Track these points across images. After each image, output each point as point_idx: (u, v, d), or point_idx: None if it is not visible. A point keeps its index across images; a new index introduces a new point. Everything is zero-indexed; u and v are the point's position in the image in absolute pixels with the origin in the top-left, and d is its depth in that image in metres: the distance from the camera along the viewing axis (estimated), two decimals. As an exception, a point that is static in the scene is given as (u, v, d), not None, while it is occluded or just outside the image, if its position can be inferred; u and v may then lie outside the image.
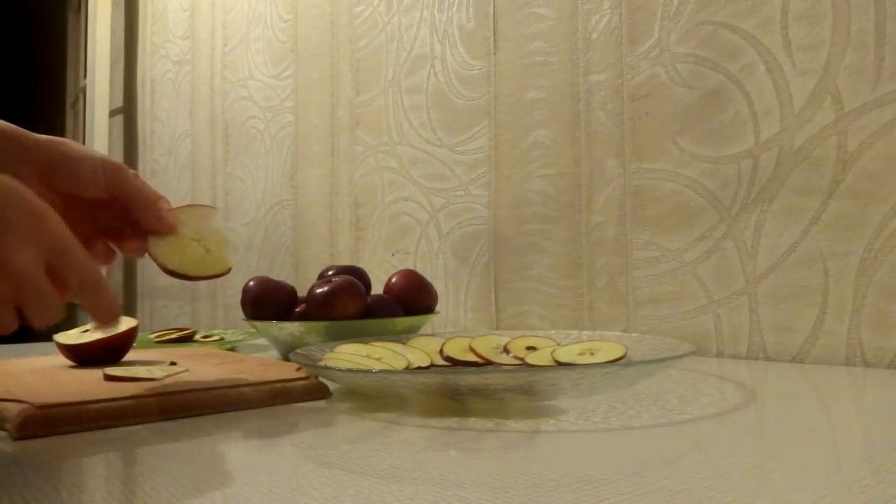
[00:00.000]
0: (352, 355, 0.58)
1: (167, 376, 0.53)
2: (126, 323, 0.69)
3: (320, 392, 0.53)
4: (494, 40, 1.01)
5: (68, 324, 0.75)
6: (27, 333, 0.72)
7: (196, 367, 0.60)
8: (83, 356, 0.66)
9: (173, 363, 0.62)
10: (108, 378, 0.53)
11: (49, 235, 0.41)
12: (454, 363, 0.59)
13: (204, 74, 1.73)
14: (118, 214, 0.54)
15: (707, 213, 0.78)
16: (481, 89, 1.03)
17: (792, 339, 0.71)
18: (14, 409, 0.43)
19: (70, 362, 0.67)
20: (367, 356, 0.58)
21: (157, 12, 1.98)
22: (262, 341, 1.05)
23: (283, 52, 1.45)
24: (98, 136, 2.10)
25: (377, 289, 0.87)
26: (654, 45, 0.83)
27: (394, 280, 0.84)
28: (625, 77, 0.86)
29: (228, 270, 0.56)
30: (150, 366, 0.60)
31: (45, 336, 0.67)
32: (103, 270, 0.52)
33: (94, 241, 0.54)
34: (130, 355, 0.74)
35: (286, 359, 0.76)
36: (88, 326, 0.68)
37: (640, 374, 0.49)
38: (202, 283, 1.71)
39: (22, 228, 0.39)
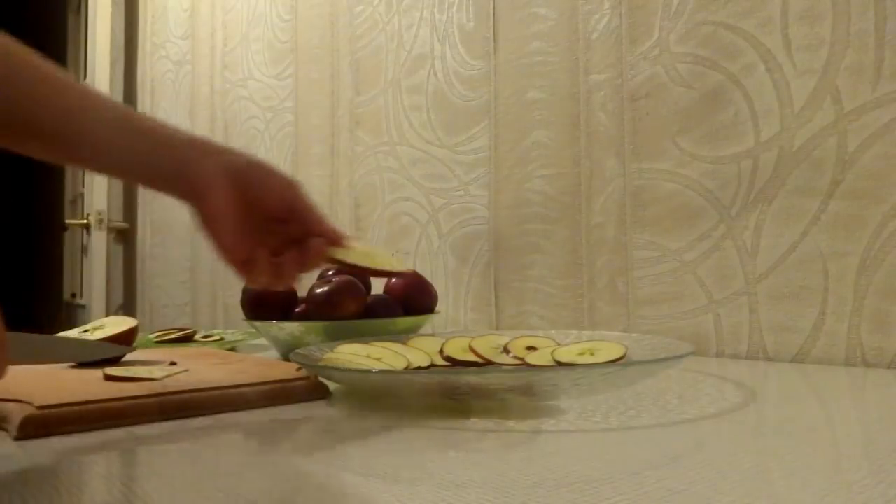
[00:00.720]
0: (352, 355, 0.58)
1: (167, 376, 0.53)
2: (126, 323, 0.69)
3: (320, 392, 0.53)
4: (494, 40, 1.01)
5: (67, 324, 0.75)
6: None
7: (196, 367, 0.60)
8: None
9: (173, 363, 0.62)
10: (108, 378, 0.53)
11: None
12: (454, 363, 0.59)
13: (204, 74, 1.73)
14: (293, 232, 0.55)
15: (707, 213, 0.78)
16: (481, 89, 1.03)
17: (792, 339, 0.71)
18: (14, 409, 0.43)
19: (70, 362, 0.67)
20: (367, 356, 0.58)
21: (157, 12, 1.98)
22: (262, 341, 1.05)
23: (283, 52, 1.45)
24: (98, 136, 2.09)
25: (377, 289, 0.86)
26: (654, 45, 0.83)
27: (394, 280, 0.84)
28: (625, 77, 0.86)
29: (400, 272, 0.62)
30: (150, 366, 0.60)
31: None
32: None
33: (282, 251, 0.55)
34: (130, 355, 0.74)
35: (286, 359, 0.76)
36: (88, 326, 0.69)
37: (640, 374, 0.49)
38: (205, 284, 1.72)
39: None
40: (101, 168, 0.54)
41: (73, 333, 0.68)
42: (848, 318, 0.68)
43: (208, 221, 0.52)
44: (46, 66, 0.49)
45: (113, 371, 0.55)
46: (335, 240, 0.55)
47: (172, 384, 0.50)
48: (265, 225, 0.54)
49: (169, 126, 0.54)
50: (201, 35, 1.75)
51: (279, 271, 0.53)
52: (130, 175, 0.54)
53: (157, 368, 0.57)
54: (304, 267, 0.54)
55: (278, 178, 0.54)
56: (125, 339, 0.68)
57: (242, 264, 0.53)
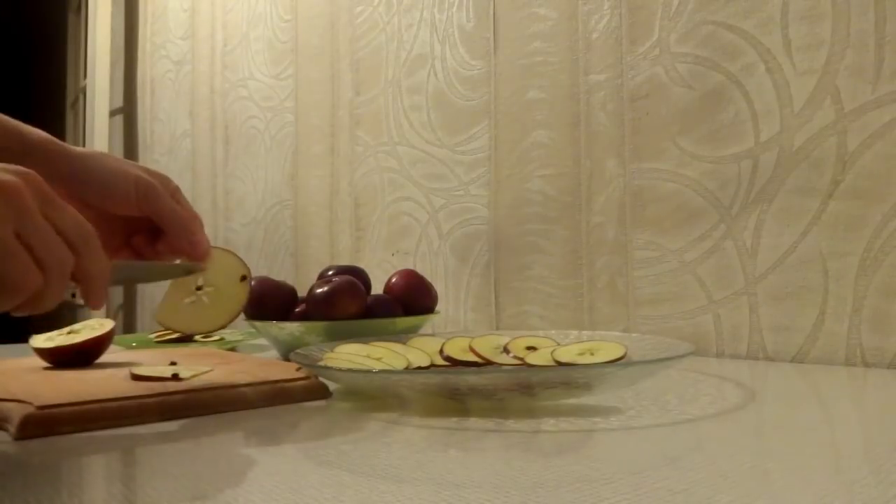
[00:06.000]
0: (352, 355, 0.58)
1: (193, 376, 0.53)
2: (103, 326, 0.69)
3: (320, 392, 0.53)
4: (494, 40, 1.01)
5: (68, 323, 0.75)
6: (26, 333, 0.72)
7: (196, 367, 0.60)
8: (59, 359, 0.66)
9: (173, 363, 0.62)
10: (136, 378, 0.53)
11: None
12: (454, 363, 0.59)
13: (204, 74, 1.73)
14: (156, 236, 0.53)
15: (707, 213, 0.78)
16: (481, 89, 1.03)
17: (792, 339, 0.71)
18: (14, 409, 0.43)
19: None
20: (367, 356, 0.58)
21: (157, 12, 1.98)
22: (262, 341, 1.05)
23: (283, 52, 1.45)
24: (98, 136, 2.10)
25: (377, 289, 0.86)
26: (654, 45, 0.83)
27: (394, 280, 0.84)
28: (625, 77, 0.86)
29: (217, 328, 0.54)
30: (176, 366, 0.60)
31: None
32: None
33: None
34: (129, 355, 0.74)
35: (286, 359, 0.76)
36: (63, 331, 0.69)
37: (640, 374, 0.49)
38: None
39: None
40: None
41: (43, 337, 0.68)
42: (848, 318, 0.68)
43: None
44: None
45: (140, 371, 0.55)
46: (191, 252, 0.52)
47: (173, 384, 0.50)
48: (122, 226, 0.53)
49: None
50: (201, 35, 1.75)
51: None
52: None
53: (183, 368, 0.57)
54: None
55: (121, 180, 0.51)
56: (100, 343, 0.68)
57: None
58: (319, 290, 0.76)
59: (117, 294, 2.18)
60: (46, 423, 0.42)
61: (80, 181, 0.50)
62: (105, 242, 0.46)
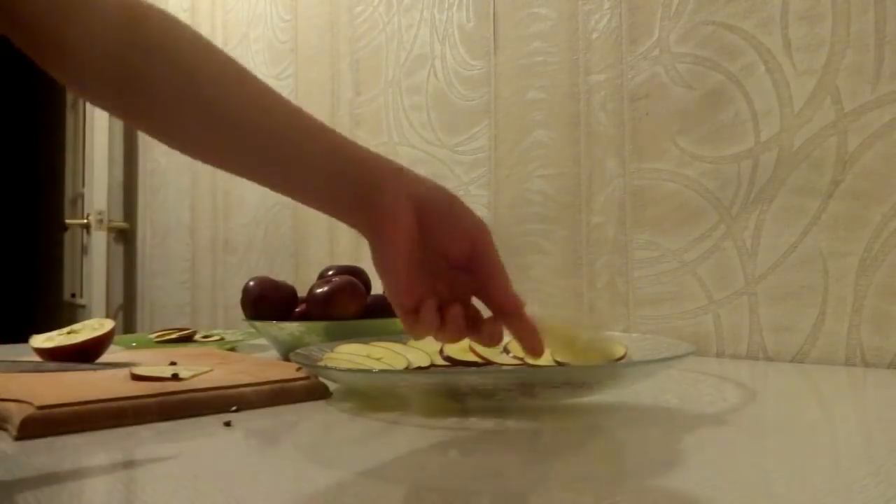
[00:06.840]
0: (352, 355, 0.58)
1: (193, 376, 0.53)
2: (103, 326, 0.69)
3: (320, 392, 0.53)
4: (494, 40, 1.01)
5: (67, 324, 0.75)
6: (26, 333, 0.72)
7: (196, 367, 0.60)
8: (59, 359, 0.66)
9: (173, 363, 0.62)
10: (136, 378, 0.53)
11: None
12: (454, 363, 0.59)
13: (204, 74, 1.73)
14: (467, 285, 0.48)
15: (707, 213, 0.78)
16: (481, 89, 1.03)
17: (792, 339, 0.71)
18: (14, 409, 0.43)
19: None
20: (367, 356, 0.58)
21: (157, 12, 1.97)
22: (262, 341, 1.05)
23: (283, 52, 1.45)
24: (98, 136, 2.09)
25: (377, 289, 0.86)
26: (654, 45, 0.83)
27: (394, 280, 0.84)
28: (625, 77, 0.86)
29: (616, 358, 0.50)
30: (176, 366, 0.59)
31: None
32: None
33: (450, 305, 0.46)
34: (128, 355, 0.74)
35: (286, 359, 0.76)
36: (63, 331, 0.69)
37: (640, 374, 0.49)
38: (204, 284, 1.72)
39: None
40: (292, 190, 0.47)
41: (42, 337, 0.68)
42: (848, 318, 0.68)
43: (382, 257, 0.45)
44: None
45: (140, 371, 0.55)
46: (513, 310, 0.48)
47: (173, 384, 0.50)
48: (439, 269, 0.47)
49: (356, 144, 0.47)
50: (201, 35, 1.74)
51: (444, 327, 0.45)
52: (313, 198, 0.47)
53: (183, 368, 0.57)
54: (471, 335, 0.47)
55: (466, 216, 0.48)
56: (100, 343, 0.68)
57: (408, 312, 0.45)
58: (319, 290, 0.76)
59: (117, 294, 2.18)
60: (46, 423, 0.42)
61: (431, 206, 0.47)
62: (433, 286, 0.45)
